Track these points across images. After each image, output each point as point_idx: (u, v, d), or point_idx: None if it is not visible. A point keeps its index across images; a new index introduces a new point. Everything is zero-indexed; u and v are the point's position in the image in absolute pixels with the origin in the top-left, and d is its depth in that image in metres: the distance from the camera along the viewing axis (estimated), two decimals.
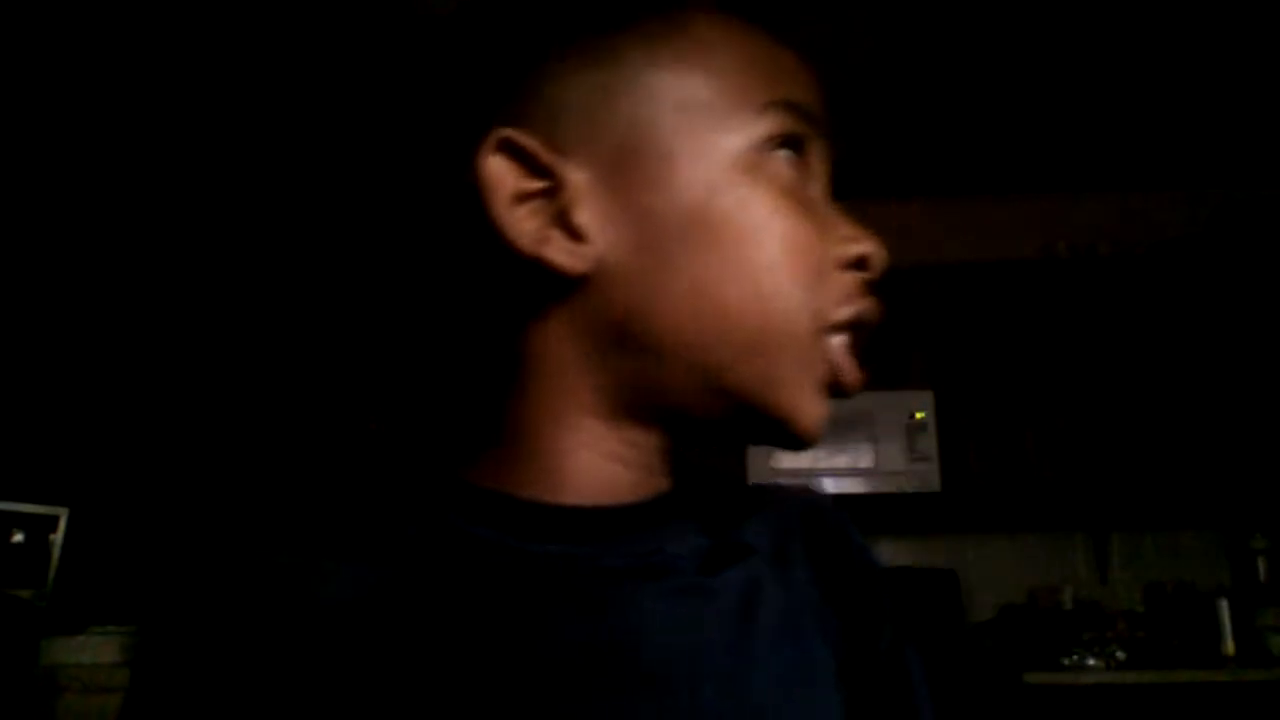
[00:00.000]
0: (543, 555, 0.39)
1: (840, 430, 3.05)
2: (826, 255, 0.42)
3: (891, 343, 3.14)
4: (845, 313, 0.43)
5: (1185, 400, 2.93)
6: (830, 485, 3.03)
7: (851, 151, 3.16)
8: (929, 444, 3.00)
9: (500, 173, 0.39)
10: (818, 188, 0.44)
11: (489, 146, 0.39)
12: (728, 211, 0.40)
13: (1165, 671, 2.59)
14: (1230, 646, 2.73)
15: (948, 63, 2.67)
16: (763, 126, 0.41)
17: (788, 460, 3.09)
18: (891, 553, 3.30)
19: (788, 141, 0.42)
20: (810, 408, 0.42)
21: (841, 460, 3.04)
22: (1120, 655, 2.72)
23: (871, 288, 0.44)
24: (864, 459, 3.03)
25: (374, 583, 0.38)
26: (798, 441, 0.43)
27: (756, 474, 3.08)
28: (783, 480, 3.07)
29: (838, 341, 0.44)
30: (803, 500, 0.51)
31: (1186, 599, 2.92)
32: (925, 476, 2.99)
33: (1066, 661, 2.74)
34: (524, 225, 0.39)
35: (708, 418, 0.42)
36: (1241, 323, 2.90)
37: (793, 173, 0.42)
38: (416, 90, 0.43)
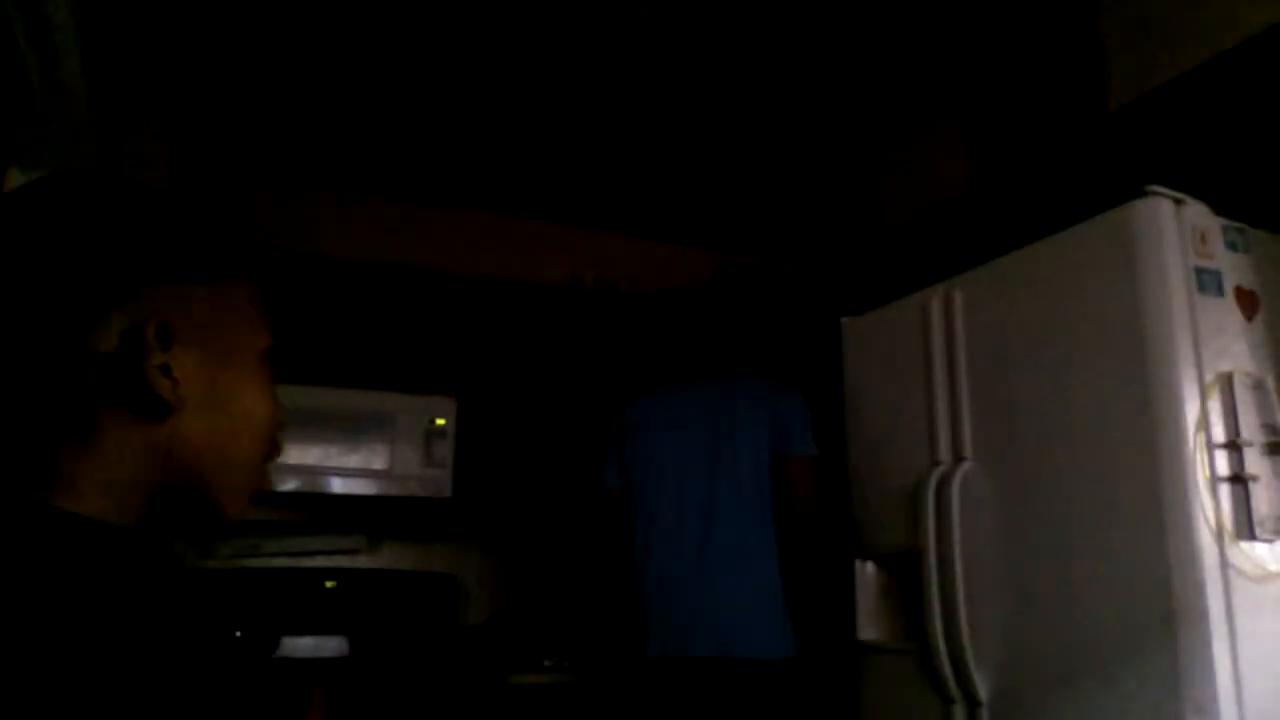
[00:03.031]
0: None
1: (357, 430, 2.95)
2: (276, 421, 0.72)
3: (419, 347, 3.12)
4: (276, 452, 0.72)
5: None
6: (339, 485, 2.91)
7: (413, 157, 3.10)
8: (446, 451, 3.02)
9: (152, 338, 0.60)
10: None
11: (152, 324, 0.60)
12: (251, 390, 0.68)
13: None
14: None
15: (522, 88, 2.74)
16: (268, 341, 0.70)
17: (294, 457, 2.91)
18: (398, 557, 3.27)
19: (270, 352, 0.71)
20: (245, 506, 0.70)
21: (354, 460, 2.93)
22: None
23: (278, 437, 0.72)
24: (378, 460, 2.95)
25: None
26: (224, 521, 0.69)
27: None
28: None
29: (267, 466, 0.72)
30: None
31: None
32: (438, 482, 3.00)
33: (548, 663, 2.91)
34: (152, 363, 0.60)
35: (181, 500, 0.65)
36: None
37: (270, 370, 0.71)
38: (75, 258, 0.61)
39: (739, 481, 2.26)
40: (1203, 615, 1.49)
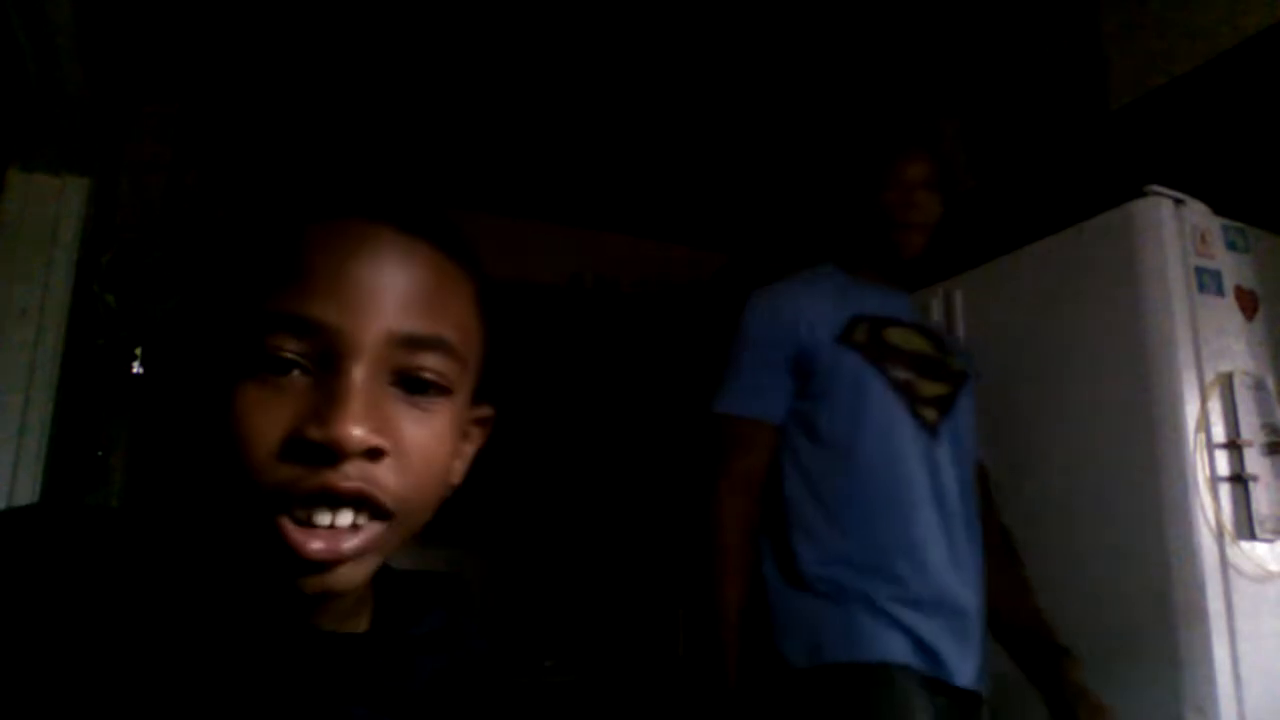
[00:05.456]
0: None
1: None
2: None
3: None
4: None
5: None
6: None
7: (413, 157, 3.10)
8: None
9: None
10: None
11: None
12: None
13: None
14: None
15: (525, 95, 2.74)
16: None
17: None
18: (398, 557, 3.26)
19: None
20: None
21: None
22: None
23: None
24: None
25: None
26: None
27: None
28: None
29: None
30: None
31: None
32: None
33: (549, 664, 2.91)
34: None
35: None
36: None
37: None
38: None
39: None
40: (1203, 615, 1.49)
